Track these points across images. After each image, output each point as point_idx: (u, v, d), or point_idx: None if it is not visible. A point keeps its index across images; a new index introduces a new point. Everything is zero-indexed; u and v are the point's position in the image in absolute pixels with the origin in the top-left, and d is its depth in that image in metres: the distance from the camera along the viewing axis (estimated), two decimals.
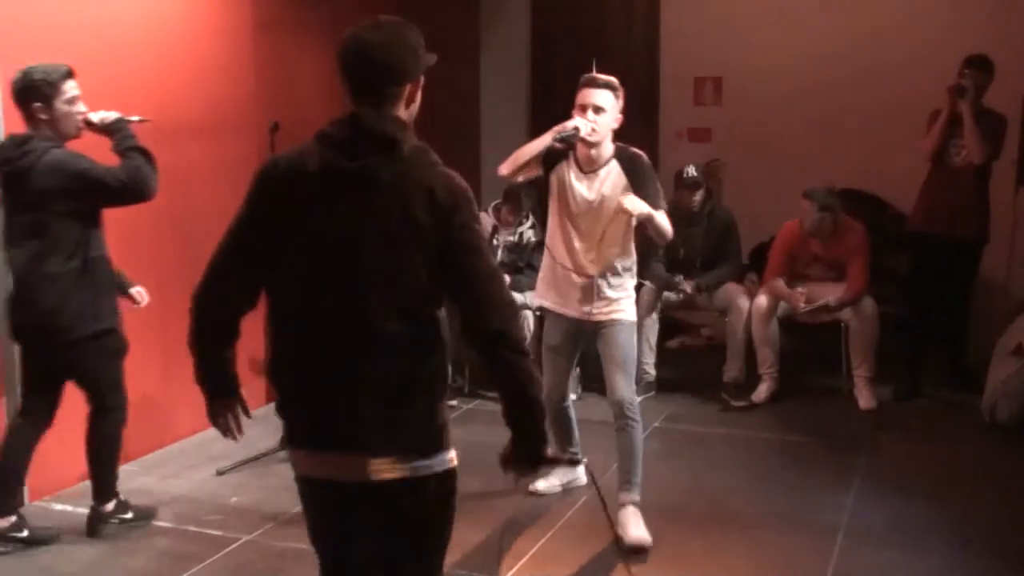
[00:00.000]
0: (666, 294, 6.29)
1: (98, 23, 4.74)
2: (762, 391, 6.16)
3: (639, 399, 6.10)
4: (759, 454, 5.39)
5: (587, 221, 4.21)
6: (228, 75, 5.56)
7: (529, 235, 6.38)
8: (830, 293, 6.16)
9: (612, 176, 4.17)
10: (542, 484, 4.69)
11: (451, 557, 4.02)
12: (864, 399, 6.02)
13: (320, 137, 2.30)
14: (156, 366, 5.17)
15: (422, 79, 2.37)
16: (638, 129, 7.81)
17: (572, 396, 6.01)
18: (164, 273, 5.17)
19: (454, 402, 6.12)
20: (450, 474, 2.42)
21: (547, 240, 4.42)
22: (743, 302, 6.17)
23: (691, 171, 6.28)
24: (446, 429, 2.41)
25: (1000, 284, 6.63)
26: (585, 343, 4.42)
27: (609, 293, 4.24)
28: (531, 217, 6.43)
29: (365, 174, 2.23)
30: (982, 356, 6.00)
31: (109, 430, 4.25)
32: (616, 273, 4.25)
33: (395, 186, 2.23)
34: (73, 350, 4.02)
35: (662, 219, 4.12)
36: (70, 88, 3.98)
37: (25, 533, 4.15)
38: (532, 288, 6.24)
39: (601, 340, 4.31)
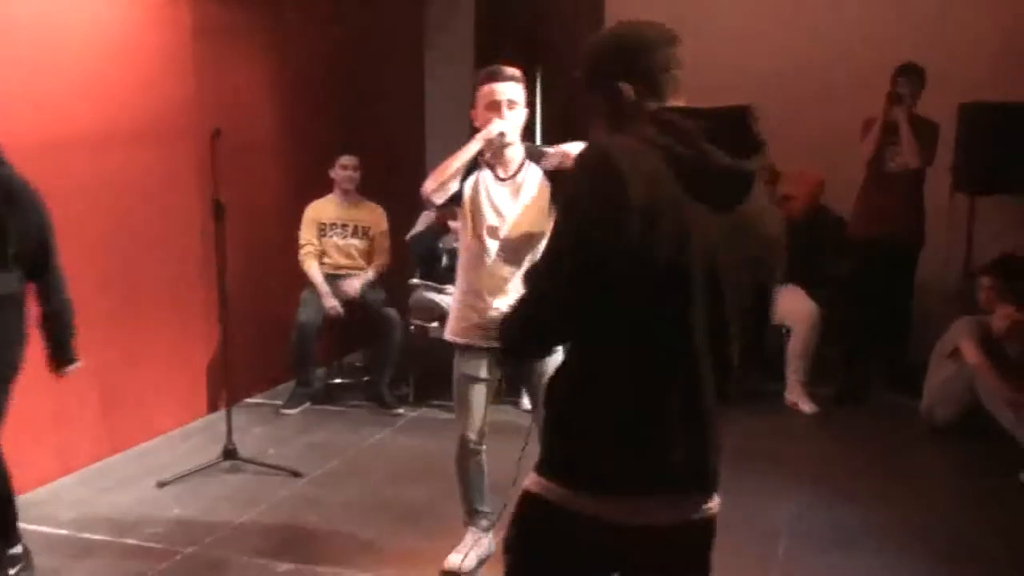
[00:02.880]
0: None
1: (34, 27, 4.66)
2: None
3: None
4: None
5: (506, 234, 3.72)
6: (168, 81, 5.49)
7: None
8: None
9: (534, 180, 3.73)
10: (459, 559, 3.98)
11: (397, 567, 4.03)
12: (803, 403, 6.10)
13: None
14: (96, 377, 5.09)
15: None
16: (582, 135, 7.86)
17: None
18: (104, 282, 5.09)
19: (400, 410, 6.10)
20: None
21: (461, 265, 3.89)
22: None
23: None
24: None
25: (937, 288, 6.74)
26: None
27: None
28: None
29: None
30: (919, 359, 6.10)
31: None
32: None
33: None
34: None
35: None
36: None
37: None
38: None
39: (528, 370, 3.83)
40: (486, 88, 3.68)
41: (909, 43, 6.52)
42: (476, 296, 3.81)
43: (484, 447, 3.99)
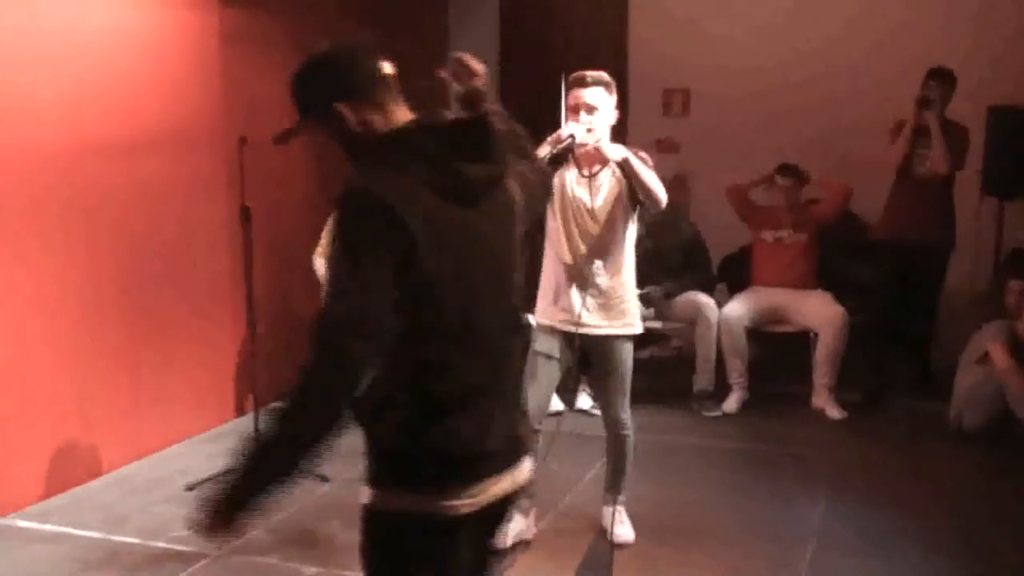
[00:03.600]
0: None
1: (63, 33, 4.70)
2: (732, 401, 6.18)
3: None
4: (729, 464, 5.41)
5: (586, 228, 4.01)
6: (195, 88, 5.53)
7: None
8: (798, 303, 6.22)
9: (612, 180, 3.99)
10: None
11: None
12: (830, 408, 6.06)
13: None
14: (124, 378, 5.13)
15: None
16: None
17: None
18: (131, 287, 5.13)
19: None
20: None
21: (547, 255, 4.18)
22: (711, 313, 6.19)
23: None
24: None
25: (965, 292, 6.70)
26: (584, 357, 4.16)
27: (609, 304, 4.05)
28: None
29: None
30: (948, 364, 6.05)
31: None
32: (615, 283, 4.06)
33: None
34: None
35: (649, 174, 3.88)
36: None
37: None
38: None
39: (599, 355, 4.14)
40: (570, 94, 3.91)
41: (938, 47, 6.49)
42: (559, 284, 4.08)
43: (540, 429, 4.17)
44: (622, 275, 4.10)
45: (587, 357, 4.18)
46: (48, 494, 4.73)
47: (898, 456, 5.46)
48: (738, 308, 6.24)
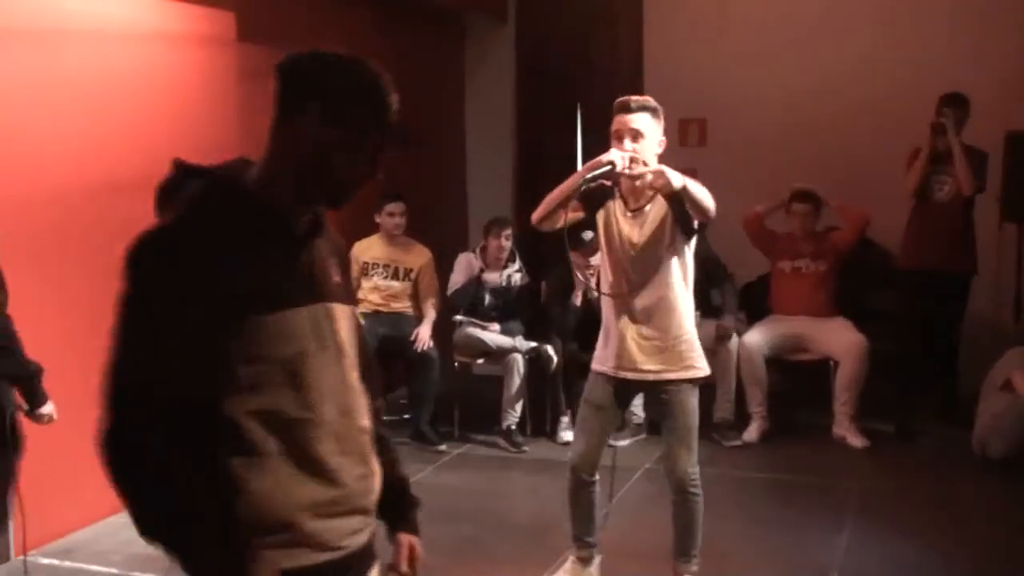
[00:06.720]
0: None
1: (81, 74, 4.76)
2: (753, 430, 6.15)
3: (626, 443, 6.09)
4: (751, 494, 5.37)
5: (635, 266, 3.69)
6: (213, 126, 5.56)
7: (516, 278, 6.39)
8: (817, 331, 6.20)
9: (661, 213, 3.65)
10: None
11: None
12: (852, 437, 6.02)
13: None
14: None
15: None
16: None
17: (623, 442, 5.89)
18: None
19: (443, 447, 6.08)
20: None
21: (601, 288, 3.90)
22: (731, 342, 6.17)
23: None
24: None
25: (987, 319, 6.65)
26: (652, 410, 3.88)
27: (662, 346, 3.71)
28: (517, 259, 6.43)
29: None
30: (971, 391, 6.01)
31: None
32: (668, 322, 3.71)
33: None
34: None
35: (701, 189, 3.52)
36: None
37: None
38: (521, 333, 6.27)
39: (660, 405, 3.80)
40: (614, 120, 3.66)
41: (955, 73, 6.49)
42: (610, 325, 3.81)
43: (596, 478, 3.96)
44: (675, 313, 3.71)
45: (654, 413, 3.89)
46: (70, 529, 4.73)
47: (922, 484, 5.41)
48: (757, 337, 6.22)
